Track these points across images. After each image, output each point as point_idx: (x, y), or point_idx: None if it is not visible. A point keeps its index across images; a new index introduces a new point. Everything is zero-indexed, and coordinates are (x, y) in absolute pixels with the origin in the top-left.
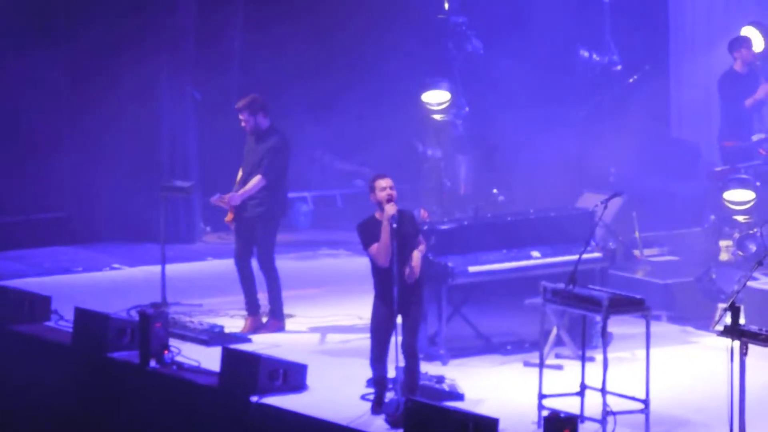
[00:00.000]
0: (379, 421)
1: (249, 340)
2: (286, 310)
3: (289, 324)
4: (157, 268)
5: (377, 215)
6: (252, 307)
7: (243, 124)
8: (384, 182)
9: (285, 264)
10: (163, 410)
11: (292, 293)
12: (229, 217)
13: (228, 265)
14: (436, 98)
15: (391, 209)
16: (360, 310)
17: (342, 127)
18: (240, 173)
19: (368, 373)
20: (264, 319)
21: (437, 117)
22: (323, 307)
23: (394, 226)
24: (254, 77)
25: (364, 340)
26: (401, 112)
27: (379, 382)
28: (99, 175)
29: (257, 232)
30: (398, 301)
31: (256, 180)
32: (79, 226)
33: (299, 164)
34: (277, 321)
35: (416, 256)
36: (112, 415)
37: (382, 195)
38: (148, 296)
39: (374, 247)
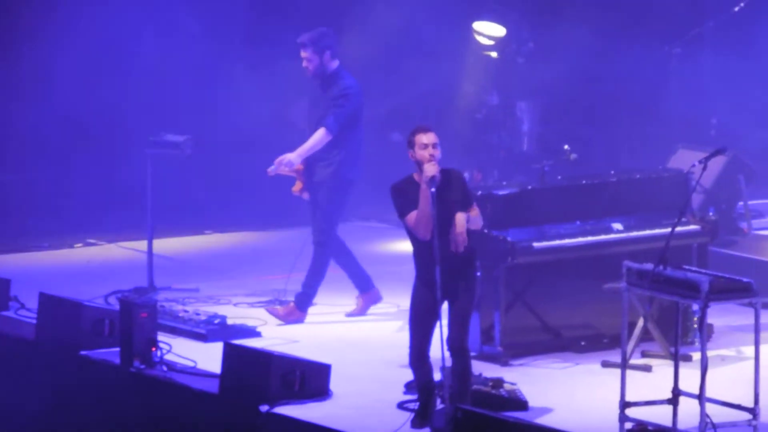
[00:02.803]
0: None
1: (258, 334)
2: None
3: (310, 313)
4: (143, 244)
5: (415, 176)
6: (362, 283)
7: (305, 64)
8: (426, 137)
9: (307, 239)
10: (149, 422)
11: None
12: (297, 186)
13: (232, 240)
14: (491, 30)
15: (430, 170)
16: (398, 296)
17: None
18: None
19: (407, 376)
20: (291, 305)
21: (492, 54)
22: (352, 294)
23: (433, 191)
24: None
25: (403, 334)
26: (445, 45)
27: (422, 386)
28: (67, 129)
29: (320, 196)
30: (442, 284)
31: (319, 134)
32: (44, 190)
33: None
34: (299, 311)
35: (460, 219)
36: (85, 428)
37: (422, 153)
38: (131, 279)
39: (411, 215)
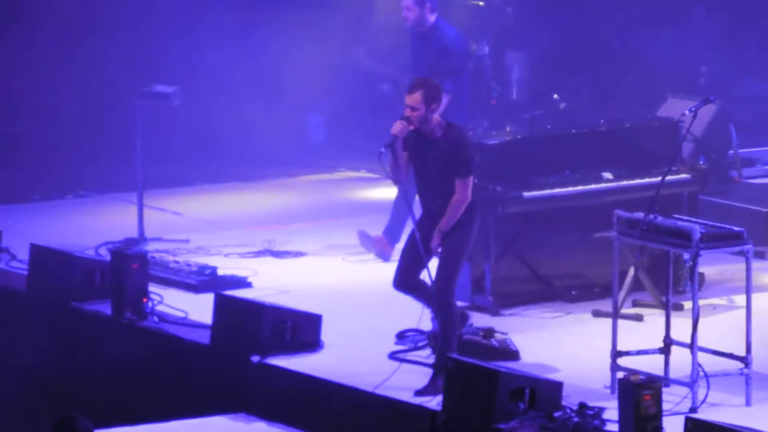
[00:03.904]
0: (411, 386)
1: (249, 285)
2: (297, 245)
3: (300, 264)
4: (133, 196)
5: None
6: (390, 234)
7: (404, 14)
8: (407, 99)
9: (296, 190)
10: (141, 373)
11: (304, 225)
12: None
13: (222, 191)
14: None
15: (396, 127)
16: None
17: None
18: None
19: (399, 327)
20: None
21: (479, 2)
22: (344, 244)
23: (381, 150)
24: None
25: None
26: None
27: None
28: (57, 81)
29: None
30: (421, 233)
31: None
32: (33, 142)
33: None
34: (389, 245)
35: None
36: (75, 381)
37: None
38: (121, 231)
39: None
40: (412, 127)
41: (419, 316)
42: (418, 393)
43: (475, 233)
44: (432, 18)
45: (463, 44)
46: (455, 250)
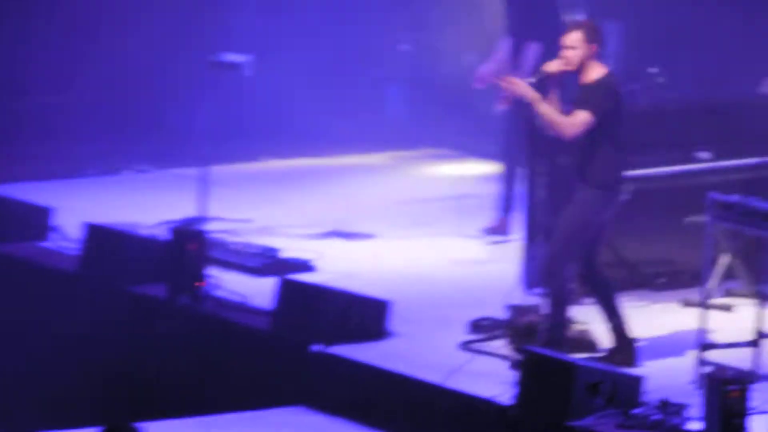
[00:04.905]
0: (483, 378)
1: (312, 268)
2: (368, 227)
3: (369, 246)
4: (194, 172)
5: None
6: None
7: None
8: (564, 38)
9: (371, 167)
10: (197, 359)
11: (377, 205)
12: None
13: (292, 166)
14: None
15: (549, 66)
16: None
17: None
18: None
19: (471, 314)
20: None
21: None
22: (420, 225)
23: (531, 81)
24: None
25: (469, 273)
26: None
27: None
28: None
29: None
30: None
31: (532, 51)
32: (90, 113)
33: None
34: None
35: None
36: (128, 369)
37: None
38: (180, 209)
39: None
40: (570, 68)
41: (496, 304)
42: None
43: (607, 205)
44: None
45: None
46: (573, 213)
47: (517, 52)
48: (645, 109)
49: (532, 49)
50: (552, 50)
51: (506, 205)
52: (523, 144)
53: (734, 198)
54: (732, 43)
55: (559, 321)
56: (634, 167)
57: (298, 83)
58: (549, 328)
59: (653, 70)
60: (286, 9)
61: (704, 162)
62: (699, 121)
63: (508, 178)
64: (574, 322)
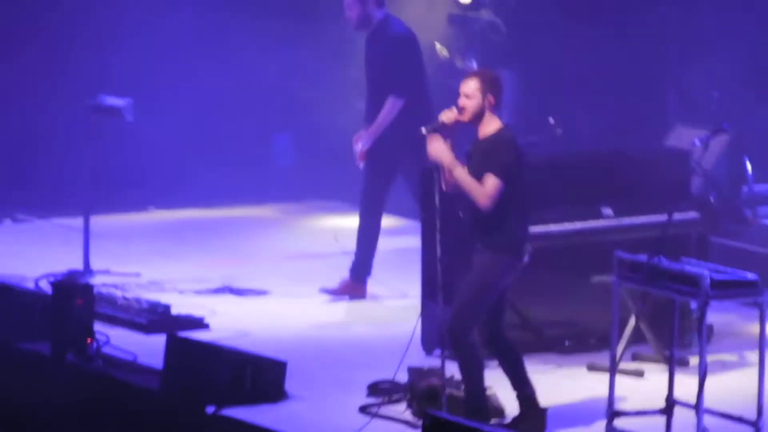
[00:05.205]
0: None
1: (206, 326)
2: (261, 283)
3: (263, 304)
4: (79, 222)
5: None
6: (358, 270)
7: (347, 14)
8: (462, 85)
9: (260, 219)
10: (84, 419)
11: (269, 260)
12: (361, 157)
13: (179, 218)
14: None
15: (444, 114)
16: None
17: None
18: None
19: (371, 378)
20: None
21: (468, 12)
22: (311, 281)
23: (423, 133)
24: None
25: (366, 334)
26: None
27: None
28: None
29: (377, 154)
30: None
31: (388, 104)
32: None
33: None
34: (357, 283)
35: (451, 167)
36: (14, 426)
37: None
38: (65, 261)
39: None
40: (463, 118)
41: (395, 366)
42: None
43: (509, 269)
44: (380, 13)
45: (414, 41)
46: (475, 277)
47: (375, 108)
48: (546, 162)
49: (390, 103)
50: (416, 108)
51: (361, 269)
52: (417, 197)
53: (641, 257)
54: (632, 91)
55: (474, 389)
56: (535, 223)
57: (182, 130)
58: (467, 399)
59: (551, 120)
60: (168, 51)
61: (609, 218)
62: (602, 175)
63: (365, 236)
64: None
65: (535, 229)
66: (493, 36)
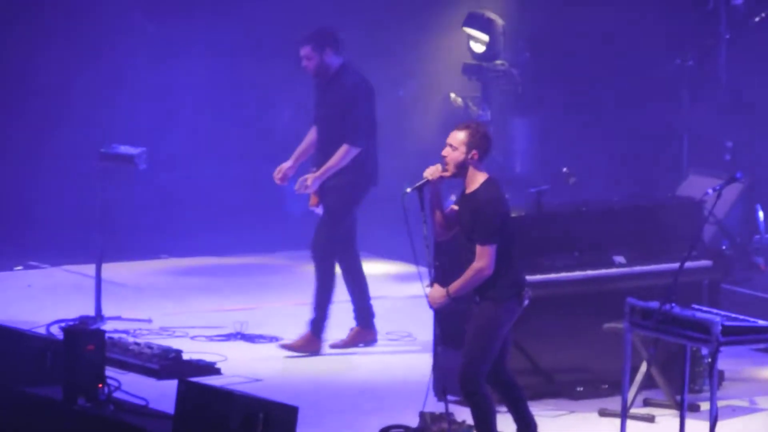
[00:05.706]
0: None
1: (217, 371)
2: (272, 329)
3: (275, 350)
4: (91, 269)
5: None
6: (362, 316)
7: (304, 63)
8: (450, 137)
9: (272, 266)
10: None
11: (281, 306)
12: (313, 200)
13: (190, 266)
14: (483, 35)
15: (429, 170)
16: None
17: None
18: (311, 134)
19: (383, 423)
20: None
21: (483, 62)
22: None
23: (406, 191)
24: None
25: (379, 379)
26: (437, 48)
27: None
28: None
29: (327, 203)
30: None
31: (342, 151)
32: None
33: None
34: (366, 329)
35: (435, 295)
36: None
37: None
38: (76, 307)
39: None
40: (447, 174)
41: (406, 411)
42: None
43: (511, 315)
44: (337, 61)
45: (371, 92)
46: (481, 328)
47: (325, 145)
48: (558, 210)
49: (345, 151)
50: (371, 151)
51: (366, 314)
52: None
53: (652, 304)
54: (646, 140)
55: None
56: (549, 271)
57: (195, 178)
58: None
59: (565, 169)
60: (180, 100)
61: (621, 266)
62: (615, 223)
63: (351, 279)
64: None
65: (548, 276)
66: (508, 85)
